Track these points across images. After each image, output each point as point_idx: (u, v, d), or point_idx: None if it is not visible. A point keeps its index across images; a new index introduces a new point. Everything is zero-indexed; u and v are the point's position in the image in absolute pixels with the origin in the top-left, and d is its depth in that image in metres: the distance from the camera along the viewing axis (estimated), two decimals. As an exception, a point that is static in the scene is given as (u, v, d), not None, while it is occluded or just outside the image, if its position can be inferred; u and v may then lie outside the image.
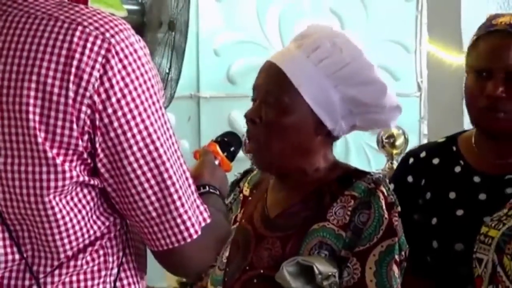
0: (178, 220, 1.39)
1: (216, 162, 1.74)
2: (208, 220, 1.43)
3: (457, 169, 2.07)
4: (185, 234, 1.39)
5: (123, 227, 1.44)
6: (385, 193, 1.77)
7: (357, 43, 1.82)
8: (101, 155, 1.35)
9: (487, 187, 2.02)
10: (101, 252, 1.41)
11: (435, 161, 2.09)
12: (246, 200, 1.96)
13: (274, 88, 1.80)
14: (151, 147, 1.35)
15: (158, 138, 1.36)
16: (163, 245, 1.40)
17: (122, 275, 1.44)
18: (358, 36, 1.87)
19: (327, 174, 1.83)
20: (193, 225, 1.40)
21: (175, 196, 1.38)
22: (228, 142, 1.81)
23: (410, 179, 2.10)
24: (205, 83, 4.24)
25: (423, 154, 2.12)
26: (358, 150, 4.39)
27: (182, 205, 1.39)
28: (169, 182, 1.37)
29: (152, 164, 1.36)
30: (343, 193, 1.78)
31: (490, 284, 1.63)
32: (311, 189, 1.83)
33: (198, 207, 1.42)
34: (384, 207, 1.74)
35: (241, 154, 3.74)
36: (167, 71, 3.58)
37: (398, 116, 1.86)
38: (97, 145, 1.35)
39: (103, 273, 1.41)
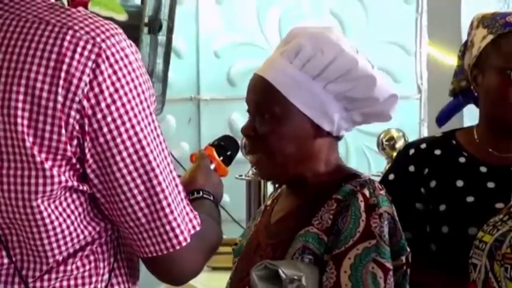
0: (167, 227, 1.38)
1: (212, 166, 1.74)
2: (198, 228, 1.42)
3: (462, 159, 2.12)
4: (174, 241, 1.39)
5: (114, 232, 1.44)
6: (367, 195, 1.74)
7: (337, 41, 1.80)
8: (90, 161, 1.34)
9: (494, 176, 2.08)
10: (91, 257, 1.41)
11: (437, 152, 2.14)
12: (266, 209, 1.95)
13: (264, 101, 1.79)
14: (141, 153, 1.35)
15: (148, 144, 1.36)
16: (152, 252, 1.40)
17: (114, 281, 1.44)
18: (345, 35, 1.86)
19: (327, 179, 1.82)
20: (182, 232, 1.39)
21: (164, 203, 1.37)
22: (225, 147, 1.80)
23: (412, 168, 2.13)
24: (205, 85, 4.24)
25: (423, 146, 2.17)
26: (358, 153, 4.40)
27: (171, 212, 1.38)
28: (158, 189, 1.37)
29: (141, 170, 1.35)
30: (331, 197, 1.77)
31: (483, 289, 1.64)
32: (310, 195, 1.81)
33: (187, 214, 1.41)
34: (362, 209, 1.72)
35: (241, 157, 3.75)
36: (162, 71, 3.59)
37: (396, 104, 1.84)
38: (86, 150, 1.34)
39: (93, 278, 1.41)
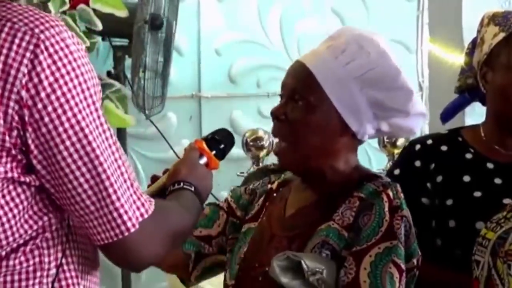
0: (115, 214, 1.39)
1: (204, 159, 1.75)
2: (146, 215, 1.43)
3: (468, 155, 2.13)
4: (122, 228, 1.40)
5: (64, 228, 1.44)
6: (391, 196, 1.75)
7: (385, 48, 1.82)
8: (35, 152, 1.35)
9: (501, 173, 2.09)
10: (36, 252, 1.40)
11: (444, 148, 2.15)
12: (271, 196, 1.96)
13: (300, 87, 1.81)
14: (84, 142, 1.36)
15: (91, 132, 1.36)
16: (103, 239, 1.41)
17: (61, 276, 1.43)
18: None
19: (345, 177, 1.83)
20: (130, 219, 1.40)
21: (110, 190, 1.38)
22: (218, 140, 1.81)
23: (418, 163, 2.14)
24: (207, 83, 4.25)
25: (429, 141, 2.18)
26: (359, 150, 4.39)
27: (118, 199, 1.39)
28: (103, 176, 1.37)
29: (86, 159, 1.36)
30: (353, 195, 1.79)
31: (485, 287, 1.64)
32: (327, 192, 1.83)
33: (134, 201, 1.42)
34: (386, 209, 1.74)
35: (242, 154, 3.76)
36: (162, 68, 3.59)
37: (423, 124, 1.89)
38: (30, 141, 1.34)
39: (38, 273, 1.40)
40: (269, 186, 1.99)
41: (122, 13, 3.44)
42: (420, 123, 1.88)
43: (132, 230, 1.40)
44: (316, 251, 1.75)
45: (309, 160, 1.83)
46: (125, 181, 1.41)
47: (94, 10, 3.37)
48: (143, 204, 1.43)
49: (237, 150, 3.68)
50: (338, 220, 1.77)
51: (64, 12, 3.24)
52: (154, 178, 1.80)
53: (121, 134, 3.71)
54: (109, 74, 3.62)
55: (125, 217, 1.40)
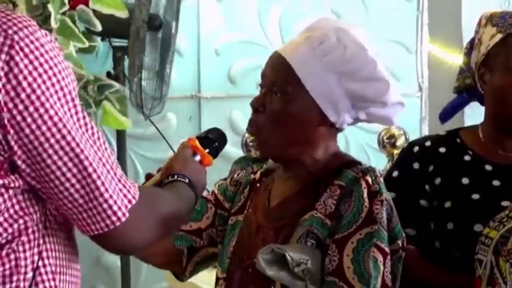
0: (105, 206, 1.41)
1: (198, 157, 1.77)
2: (134, 201, 1.45)
3: (467, 157, 2.13)
4: (113, 218, 1.42)
5: (40, 230, 1.44)
6: (370, 182, 1.79)
7: (362, 40, 1.85)
8: (19, 152, 1.36)
9: (500, 175, 2.09)
10: (12, 256, 1.40)
11: (442, 150, 2.15)
12: (255, 186, 1.98)
13: (279, 79, 1.84)
14: (69, 138, 1.37)
15: (72, 128, 1.38)
16: (94, 230, 1.42)
17: (38, 279, 1.43)
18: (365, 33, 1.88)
19: (326, 165, 1.86)
20: (119, 208, 1.42)
21: (98, 183, 1.40)
22: (212, 139, 1.83)
23: (416, 165, 2.14)
24: (206, 83, 4.25)
25: (428, 143, 2.18)
26: (358, 150, 4.40)
27: (106, 190, 1.41)
28: (90, 169, 1.39)
29: (71, 154, 1.38)
30: (333, 183, 1.82)
31: (488, 285, 1.65)
32: (309, 181, 1.86)
33: (120, 190, 1.44)
34: (365, 195, 1.77)
35: (240, 154, 3.75)
36: (158, 68, 3.59)
37: (400, 112, 1.90)
38: (13, 143, 1.35)
39: (14, 277, 1.40)
40: (252, 176, 2.01)
41: (122, 13, 3.43)
42: (398, 112, 1.89)
43: (123, 219, 1.42)
44: (302, 241, 1.77)
45: (286, 149, 1.85)
46: (108, 171, 1.43)
47: (94, 11, 3.37)
48: (129, 191, 1.45)
49: (237, 151, 3.69)
50: (321, 209, 1.80)
51: (63, 13, 3.24)
52: (149, 176, 1.83)
53: (121, 134, 3.72)
54: (108, 74, 3.62)
55: (114, 208, 1.42)
